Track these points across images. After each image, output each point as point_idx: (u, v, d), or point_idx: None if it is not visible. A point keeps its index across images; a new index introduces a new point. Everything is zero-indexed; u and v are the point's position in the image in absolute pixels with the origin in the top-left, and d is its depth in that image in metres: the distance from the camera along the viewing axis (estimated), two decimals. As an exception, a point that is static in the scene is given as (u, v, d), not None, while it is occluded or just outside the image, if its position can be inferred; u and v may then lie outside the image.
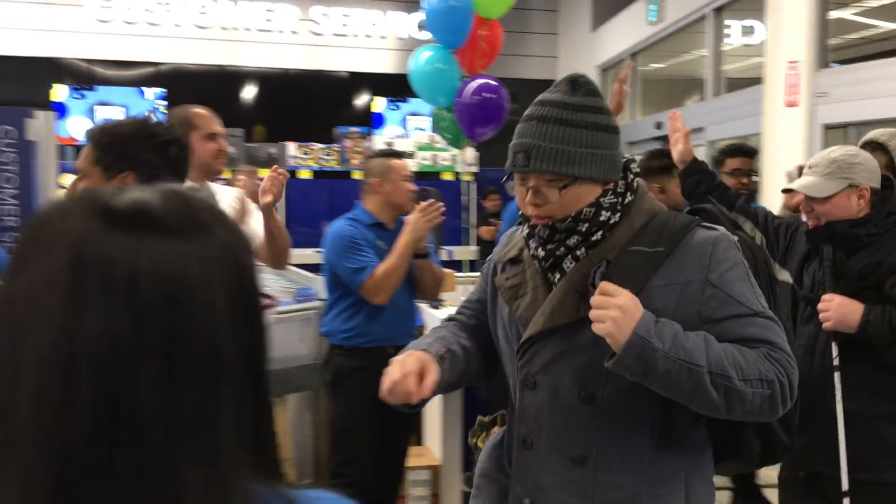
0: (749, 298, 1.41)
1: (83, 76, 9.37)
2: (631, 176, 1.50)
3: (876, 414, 2.25)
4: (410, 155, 7.82)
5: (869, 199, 2.29)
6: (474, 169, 7.65)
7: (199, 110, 2.91)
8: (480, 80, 4.08)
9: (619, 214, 1.46)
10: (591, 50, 9.21)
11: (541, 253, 1.47)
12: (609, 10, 8.75)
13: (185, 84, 9.28)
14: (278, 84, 9.72)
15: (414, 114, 8.86)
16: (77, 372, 0.58)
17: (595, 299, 1.35)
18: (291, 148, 7.86)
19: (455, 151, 7.18)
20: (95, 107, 9.05)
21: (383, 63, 9.78)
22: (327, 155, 8.04)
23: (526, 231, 1.51)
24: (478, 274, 4.55)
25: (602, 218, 1.44)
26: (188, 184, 2.88)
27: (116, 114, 9.28)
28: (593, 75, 9.18)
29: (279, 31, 9.67)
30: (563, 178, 1.40)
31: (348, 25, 9.79)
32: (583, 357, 1.42)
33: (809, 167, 2.34)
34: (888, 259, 2.23)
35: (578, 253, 1.45)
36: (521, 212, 1.52)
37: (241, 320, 0.64)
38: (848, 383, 2.22)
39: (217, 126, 2.89)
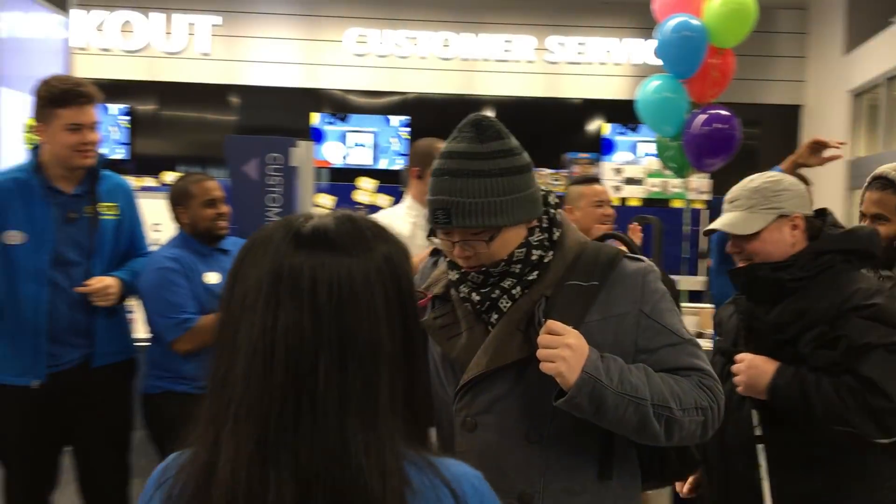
0: (679, 328, 1.46)
1: (338, 105, 10.28)
2: (552, 210, 1.50)
3: (803, 492, 1.87)
4: (639, 181, 7.77)
5: (804, 228, 1.98)
6: (707, 196, 7.45)
7: (441, 144, 3.15)
8: (712, 111, 4.03)
9: (550, 251, 1.47)
10: (844, 74, 8.61)
11: (475, 297, 1.45)
12: (865, 32, 8.15)
13: (427, 112, 9.89)
14: (513, 111, 10.05)
15: (645, 140, 8.79)
16: (274, 356, 0.77)
17: (543, 338, 1.35)
18: (522, 173, 8.11)
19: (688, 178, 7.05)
20: (347, 133, 9.92)
21: (616, 89, 9.79)
22: (555, 180, 8.19)
23: (455, 277, 1.48)
24: (700, 305, 4.42)
25: (534, 257, 1.45)
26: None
27: (366, 139, 10.11)
28: (845, 101, 8.57)
29: (516, 60, 10.01)
30: (489, 230, 1.40)
31: (583, 53, 9.93)
32: (528, 396, 1.43)
33: (730, 202, 2.02)
34: (813, 309, 1.86)
35: (514, 292, 1.44)
36: (446, 257, 1.51)
37: (397, 317, 0.81)
38: (769, 455, 1.87)
39: None
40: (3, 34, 3.98)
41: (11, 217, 2.58)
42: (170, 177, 9.78)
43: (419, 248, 2.33)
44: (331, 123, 9.90)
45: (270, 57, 10.11)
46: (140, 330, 3.01)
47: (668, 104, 4.02)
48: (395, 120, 9.97)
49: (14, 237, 2.58)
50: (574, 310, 1.40)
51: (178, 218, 2.85)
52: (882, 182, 2.24)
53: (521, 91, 10.02)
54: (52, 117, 2.59)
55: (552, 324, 1.37)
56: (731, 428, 1.93)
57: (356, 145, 9.96)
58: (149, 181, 8.44)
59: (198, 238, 2.82)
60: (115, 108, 9.37)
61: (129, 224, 2.87)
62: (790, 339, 1.87)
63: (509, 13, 9.97)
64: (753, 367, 1.86)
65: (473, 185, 1.39)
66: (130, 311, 2.97)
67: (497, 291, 1.45)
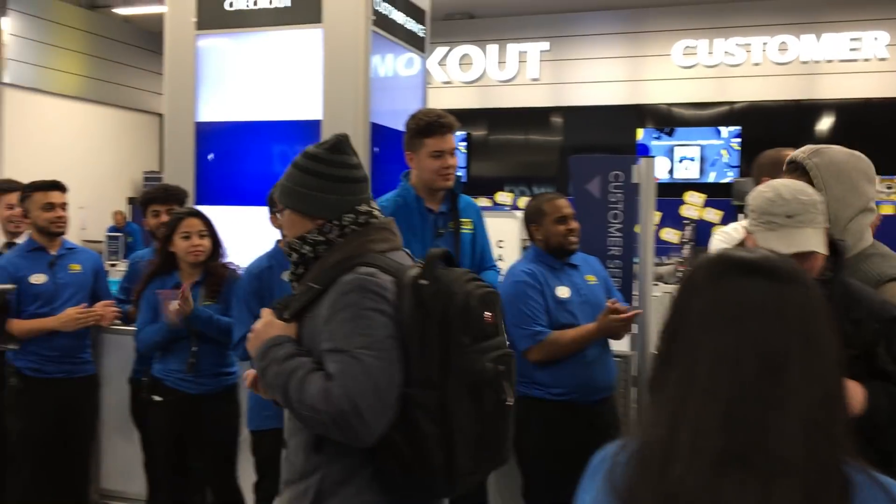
0: (344, 338, 1.61)
1: (664, 119, 10.16)
2: (348, 225, 1.77)
3: None
4: None
5: None
6: None
7: (789, 153, 3.04)
8: None
9: (321, 252, 1.76)
10: None
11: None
12: None
13: (759, 120, 9.40)
14: (859, 114, 9.18)
15: None
16: (742, 363, 0.89)
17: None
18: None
19: None
20: (675, 147, 9.77)
21: None
22: (888, 188, 7.30)
23: None
24: None
25: (303, 251, 1.77)
26: None
27: (693, 153, 9.87)
28: None
29: (864, 59, 9.14)
30: (282, 206, 1.83)
31: (951, 44, 8.79)
32: None
33: (793, 216, 1.82)
34: (862, 321, 1.80)
35: (294, 285, 1.82)
36: None
37: (832, 339, 0.92)
38: None
39: None
40: (373, 75, 4.54)
41: (402, 234, 2.96)
42: (501, 196, 10.40)
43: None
44: (657, 138, 9.82)
45: (595, 77, 10.32)
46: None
47: None
48: (725, 131, 9.60)
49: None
50: (294, 304, 1.74)
51: (532, 234, 3.06)
52: (791, 166, 2.11)
53: (870, 92, 9.11)
54: (419, 146, 2.95)
55: (263, 311, 1.78)
56: None
57: (682, 159, 9.76)
58: (483, 201, 9.05)
59: (550, 253, 2.99)
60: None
61: (481, 239, 3.14)
62: (860, 354, 1.84)
63: (856, 9, 9.13)
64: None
65: (288, 172, 1.83)
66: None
67: (291, 276, 1.84)
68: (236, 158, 4.63)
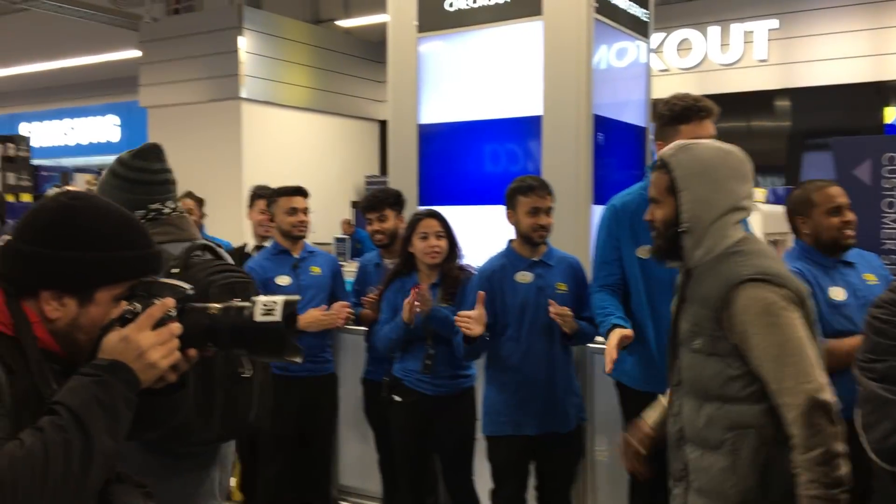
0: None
1: (915, 96, 9.09)
2: (152, 213, 2.13)
3: None
4: None
5: None
6: None
7: None
8: None
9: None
10: None
11: None
12: None
13: None
14: None
15: None
16: None
17: None
18: None
19: None
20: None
21: None
22: None
23: None
24: None
25: None
26: None
27: (955, 131, 8.71)
28: None
29: None
30: None
31: None
32: None
33: None
34: None
35: None
36: None
37: None
38: None
39: None
40: (595, 65, 4.36)
41: (642, 233, 2.74)
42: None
43: None
44: (911, 118, 8.79)
45: (831, 53, 9.41)
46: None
47: None
48: None
49: (646, 251, 2.74)
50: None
51: (797, 228, 2.72)
52: (658, 163, 1.99)
53: None
54: (673, 134, 2.69)
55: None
56: None
57: (943, 139, 8.66)
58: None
59: (820, 249, 2.65)
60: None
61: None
62: None
63: None
64: None
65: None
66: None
67: None
68: (458, 159, 4.62)
